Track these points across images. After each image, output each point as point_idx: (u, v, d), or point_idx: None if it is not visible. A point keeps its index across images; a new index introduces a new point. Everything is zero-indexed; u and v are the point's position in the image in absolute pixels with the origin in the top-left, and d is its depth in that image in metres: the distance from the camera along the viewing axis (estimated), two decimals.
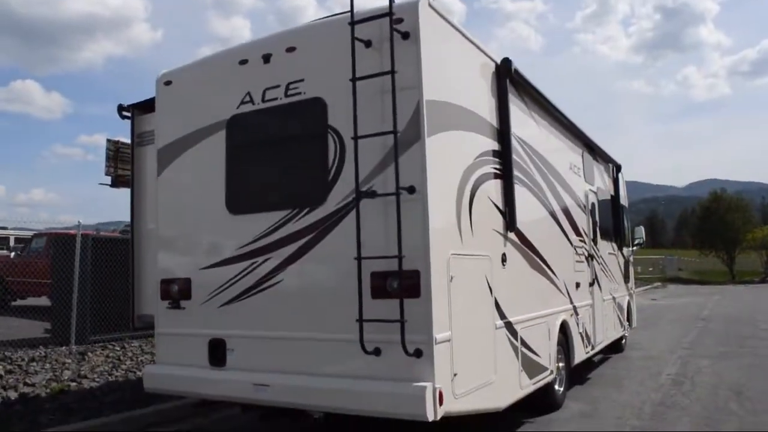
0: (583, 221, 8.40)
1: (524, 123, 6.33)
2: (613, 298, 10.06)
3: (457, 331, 4.37)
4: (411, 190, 4.22)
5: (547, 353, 6.38)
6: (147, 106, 6.13)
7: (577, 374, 8.70)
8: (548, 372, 6.38)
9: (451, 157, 4.61)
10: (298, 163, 4.87)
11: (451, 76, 4.78)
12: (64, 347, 9.17)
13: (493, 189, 5.30)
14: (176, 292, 5.36)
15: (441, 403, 4.07)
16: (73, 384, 7.55)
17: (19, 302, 14.68)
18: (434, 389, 4.04)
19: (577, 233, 8.05)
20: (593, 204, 9.01)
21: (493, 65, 5.59)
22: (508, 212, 5.50)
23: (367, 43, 4.45)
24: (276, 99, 4.96)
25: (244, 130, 5.14)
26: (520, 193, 5.92)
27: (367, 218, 4.32)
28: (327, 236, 4.60)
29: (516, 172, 5.83)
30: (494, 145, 5.43)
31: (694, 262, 48.14)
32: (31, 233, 16.24)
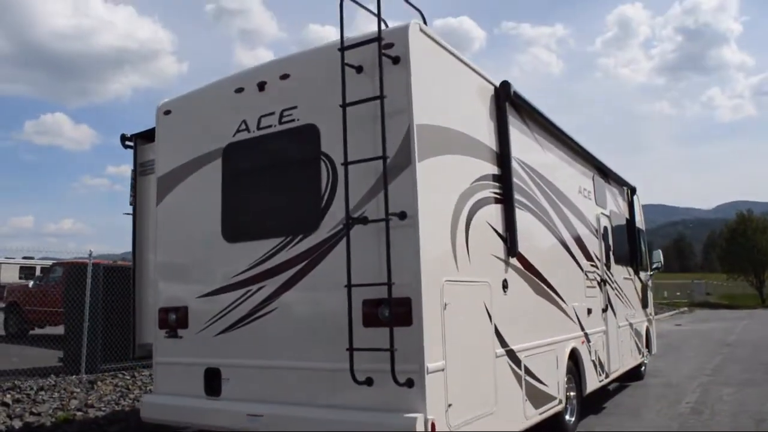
0: (594, 246, 8.23)
1: (527, 147, 6.25)
2: (630, 325, 9.79)
3: (452, 360, 4.25)
4: (402, 215, 4.15)
5: (555, 382, 6.18)
6: (149, 136, 6.19)
7: (591, 403, 8.45)
8: (556, 401, 6.18)
9: (445, 182, 4.54)
10: (292, 190, 4.85)
11: (446, 100, 4.74)
12: (74, 376, 9.19)
13: (492, 214, 5.21)
14: (174, 320, 5.34)
15: None
16: (79, 413, 7.53)
17: (37, 331, 14.86)
18: (426, 420, 3.91)
19: (588, 258, 7.87)
20: (605, 228, 8.83)
21: (491, 89, 5.54)
22: (509, 237, 5.39)
23: (359, 69, 4.44)
24: (271, 126, 4.97)
25: (240, 157, 5.15)
26: (523, 217, 5.82)
27: (359, 245, 4.26)
28: (320, 263, 4.54)
29: (518, 197, 5.73)
30: (494, 169, 5.35)
31: (723, 286, 46.92)
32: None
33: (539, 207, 6.33)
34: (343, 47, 4.40)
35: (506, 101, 5.58)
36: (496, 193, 5.33)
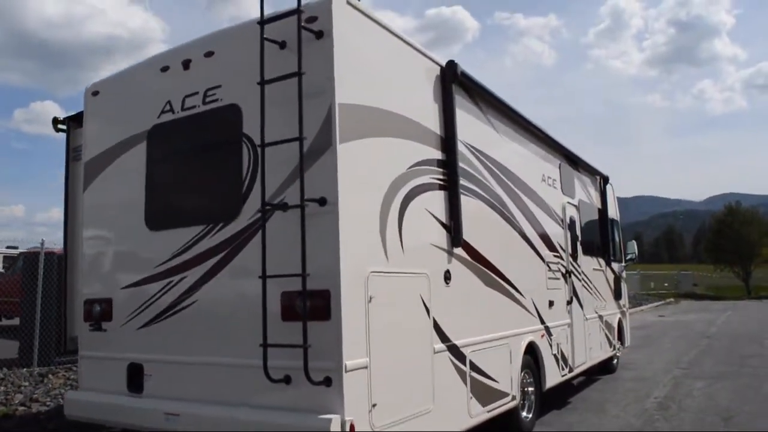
0: (559, 236, 7.96)
1: (480, 132, 5.96)
2: (600, 317, 9.55)
3: (377, 357, 3.98)
4: (322, 201, 3.86)
5: (507, 378, 5.93)
6: (82, 119, 5.86)
7: (555, 398, 8.22)
8: (509, 398, 5.93)
9: (373, 166, 4.24)
10: (214, 175, 4.56)
11: (378, 79, 4.43)
12: (24, 369, 8.88)
13: (434, 201, 4.92)
14: (98, 312, 5.05)
15: None
16: (22, 408, 7.24)
17: (5, 322, 14.52)
18: (343, 422, 3.64)
19: (551, 249, 7.61)
20: (572, 218, 8.56)
21: (437, 69, 5.24)
22: (454, 226, 5.11)
23: (282, 45, 4.13)
24: (195, 107, 4.66)
25: (163, 140, 4.85)
26: (473, 205, 5.54)
27: (279, 233, 3.97)
28: (240, 253, 4.25)
29: (467, 183, 5.46)
30: (437, 154, 5.06)
31: (710, 278, 46.91)
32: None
33: (493, 195, 6.04)
34: (263, 21, 4.10)
35: (453, 83, 5.27)
36: (439, 179, 5.04)
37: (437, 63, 5.25)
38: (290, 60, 4.06)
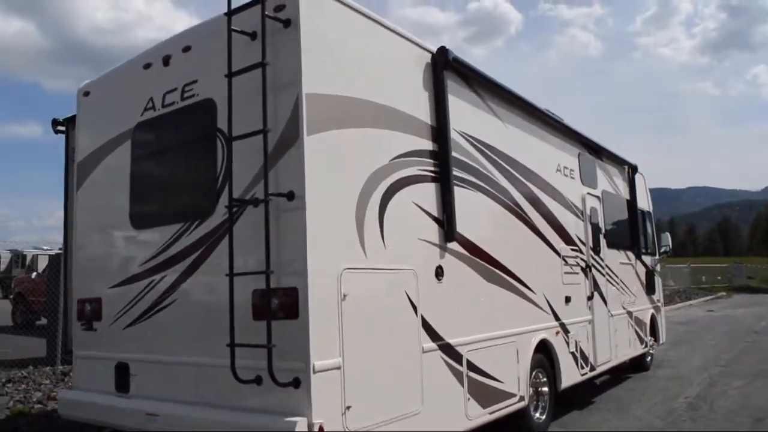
0: (578, 228, 7.60)
1: (481, 121, 5.69)
2: (629, 313, 9.11)
3: (353, 357, 3.80)
4: (290, 196, 3.71)
5: (513, 377, 5.66)
6: None
7: (579, 398, 7.88)
8: (516, 399, 5.66)
9: (349, 159, 4.06)
10: (192, 171, 4.48)
11: (355, 67, 4.24)
12: (48, 368, 9.09)
13: (423, 194, 4.71)
14: (89, 312, 5.05)
15: None
16: (38, 406, 7.38)
17: (43, 321, 15.01)
18: (311, 424, 3.48)
19: (569, 242, 7.26)
20: (594, 209, 8.17)
21: (427, 56, 5.02)
22: (447, 220, 4.88)
23: (253, 35, 3.99)
24: (174, 103, 4.59)
25: (146, 138, 4.80)
26: (471, 198, 5.30)
27: (251, 229, 3.84)
28: (215, 251, 4.15)
29: (463, 175, 5.22)
30: (427, 145, 4.84)
31: (767, 270, 44.76)
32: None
33: (496, 187, 5.77)
34: (230, 11, 3.98)
35: (445, 70, 5.04)
36: (429, 171, 4.82)
37: (427, 50, 5.02)
38: (260, 51, 3.92)
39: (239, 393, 3.80)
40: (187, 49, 4.53)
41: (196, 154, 4.43)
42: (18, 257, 33.69)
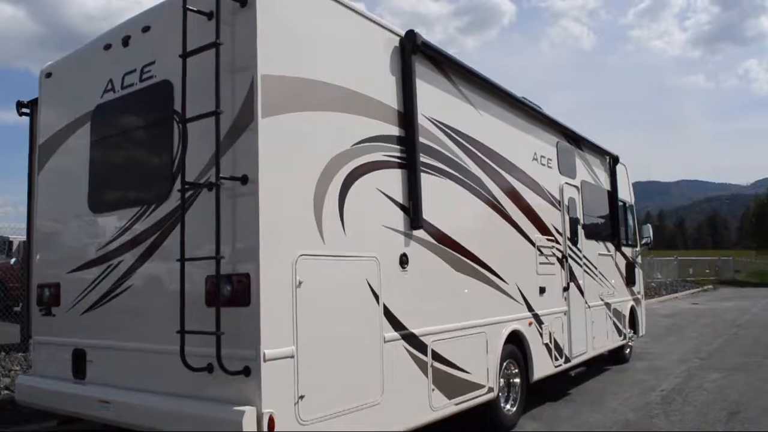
0: (554, 218, 7.53)
1: (452, 107, 5.60)
2: (607, 304, 9.07)
3: (307, 346, 3.72)
4: (244, 180, 3.62)
5: (482, 368, 5.60)
6: None
7: (556, 389, 7.85)
8: (484, 390, 5.60)
9: (308, 142, 3.95)
10: (149, 154, 4.37)
11: (317, 49, 4.13)
12: (20, 354, 8.96)
13: (387, 180, 4.62)
14: (48, 297, 4.95)
15: (272, 430, 3.43)
16: (6, 392, 7.27)
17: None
18: (260, 414, 3.40)
19: (544, 232, 7.20)
20: (572, 199, 8.10)
21: (395, 40, 4.91)
22: (413, 207, 4.80)
23: (210, 15, 3.87)
24: (133, 85, 4.47)
25: (105, 120, 4.68)
26: (439, 185, 5.22)
27: (204, 214, 3.75)
28: (170, 235, 4.05)
29: (432, 161, 5.14)
30: (393, 130, 4.74)
31: (754, 263, 44.97)
32: None
33: (467, 174, 5.68)
34: None
35: (413, 55, 4.93)
36: (395, 156, 4.73)
37: (395, 33, 4.91)
38: (228, 32, 3.81)
39: (192, 381, 3.72)
40: (146, 29, 4.41)
41: (153, 137, 4.32)
42: (4, 243, 33.36)
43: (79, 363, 4.62)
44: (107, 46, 4.69)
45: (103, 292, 4.48)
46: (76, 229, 4.85)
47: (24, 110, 5.87)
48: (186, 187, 3.71)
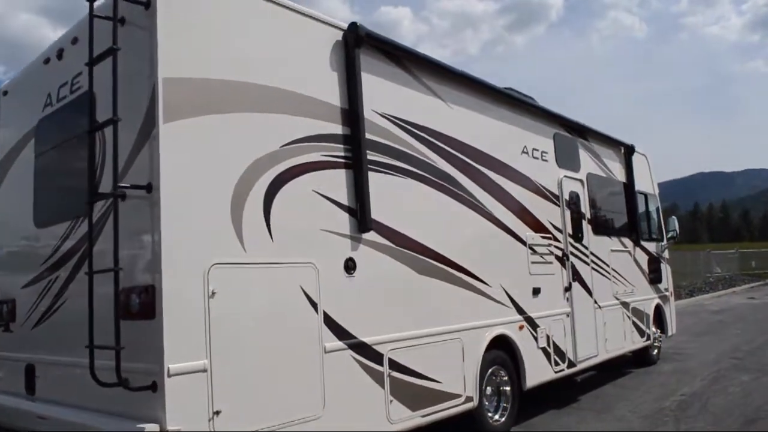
0: (551, 214, 7.11)
1: (413, 101, 5.31)
2: (624, 304, 8.52)
3: (223, 359, 3.54)
4: (149, 188, 3.48)
5: (457, 377, 5.29)
6: None
7: (564, 395, 7.41)
8: (461, 399, 5.28)
9: (223, 146, 3.77)
10: (78, 166, 4.27)
11: (235, 49, 3.95)
12: None
13: (327, 181, 4.39)
14: (5, 313, 4.97)
15: None
16: None
17: None
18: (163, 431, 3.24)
19: (538, 229, 6.79)
20: (575, 194, 7.64)
21: (338, 34, 4.69)
22: (360, 208, 4.55)
23: (122, 21, 3.76)
24: (65, 97, 4.45)
25: (46, 135, 4.68)
26: (396, 184, 4.99)
27: (121, 224, 3.64)
28: (95, 247, 3.94)
29: (387, 160, 4.92)
30: (334, 128, 4.52)
31: None
32: None
33: (434, 172, 5.38)
34: None
35: (358, 48, 4.69)
36: (337, 156, 4.50)
37: (338, 27, 4.69)
38: (134, 36, 3.70)
39: (109, 396, 3.59)
40: (74, 41, 4.36)
41: (81, 148, 4.24)
42: None
43: (30, 378, 4.60)
44: (46, 61, 4.69)
45: (47, 307, 4.45)
46: (26, 244, 4.87)
47: None
48: (93, 197, 3.62)
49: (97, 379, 3.48)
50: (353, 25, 4.70)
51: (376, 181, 4.72)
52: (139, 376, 3.38)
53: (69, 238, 4.24)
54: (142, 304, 3.42)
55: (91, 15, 3.73)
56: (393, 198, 4.90)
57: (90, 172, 3.70)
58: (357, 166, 4.57)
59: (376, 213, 4.66)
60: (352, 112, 4.61)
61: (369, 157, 4.69)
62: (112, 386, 3.45)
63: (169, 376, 3.30)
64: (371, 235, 4.64)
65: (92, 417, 3.62)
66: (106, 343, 3.49)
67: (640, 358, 9.45)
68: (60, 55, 4.50)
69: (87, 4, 3.76)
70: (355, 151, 4.58)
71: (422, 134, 5.32)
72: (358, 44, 4.69)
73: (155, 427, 3.23)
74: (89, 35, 3.73)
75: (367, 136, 4.70)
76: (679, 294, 23.37)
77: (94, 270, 3.57)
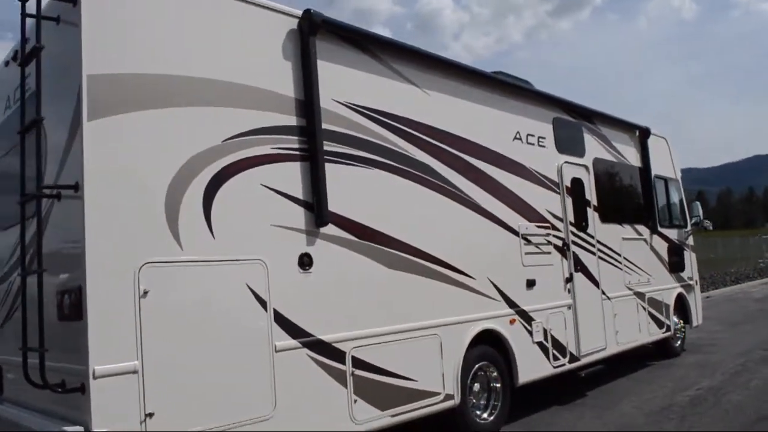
0: (550, 202, 6.79)
1: (381, 89, 5.11)
2: (639, 294, 8.11)
3: (156, 360, 3.46)
4: (76, 188, 3.43)
5: (435, 374, 5.09)
6: None
7: (571, 391, 7.08)
8: (439, 398, 5.09)
9: (155, 143, 3.66)
10: (30, 166, 4.28)
11: (169, 42, 3.84)
12: None
13: (279, 175, 4.25)
14: None
15: None
16: None
17: None
18: None
19: (533, 219, 6.49)
20: (578, 180, 7.29)
21: (292, 22, 4.54)
22: (317, 202, 4.40)
23: (57, 20, 3.72)
24: (19, 99, 4.42)
25: (5, 137, 4.69)
26: (361, 175, 4.82)
27: (58, 225, 3.63)
28: (32, 248, 3.94)
29: (349, 150, 4.76)
30: (287, 120, 4.37)
31: None
32: None
33: (407, 161, 5.18)
34: None
35: (313, 35, 4.53)
36: (291, 148, 4.36)
37: (292, 15, 4.54)
38: (66, 34, 3.66)
39: (55, 397, 3.58)
40: (27, 42, 4.34)
41: (30, 149, 4.25)
42: None
43: (1, 378, 4.67)
44: (6, 63, 4.71)
45: (9, 307, 4.49)
46: None
47: None
48: (24, 198, 3.61)
49: (30, 381, 3.46)
50: (307, 12, 4.54)
51: (336, 173, 4.56)
52: (72, 378, 3.36)
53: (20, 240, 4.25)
54: (71, 306, 3.40)
55: (23, 14, 3.72)
56: (357, 190, 4.73)
57: (21, 173, 3.68)
58: (313, 158, 4.42)
59: (336, 206, 4.51)
60: (307, 103, 4.46)
61: (328, 148, 4.54)
62: (42, 388, 3.43)
63: (95, 377, 3.25)
64: (330, 229, 4.48)
65: (27, 416, 3.64)
66: (49, 345, 3.48)
67: (662, 350, 9.01)
68: (16, 57, 4.50)
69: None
70: (311, 142, 4.43)
71: (392, 122, 5.12)
72: (313, 32, 4.53)
73: (79, 428, 3.19)
74: (21, 34, 3.73)
75: (326, 126, 4.55)
76: (725, 281, 22.36)
77: (25, 272, 3.55)
